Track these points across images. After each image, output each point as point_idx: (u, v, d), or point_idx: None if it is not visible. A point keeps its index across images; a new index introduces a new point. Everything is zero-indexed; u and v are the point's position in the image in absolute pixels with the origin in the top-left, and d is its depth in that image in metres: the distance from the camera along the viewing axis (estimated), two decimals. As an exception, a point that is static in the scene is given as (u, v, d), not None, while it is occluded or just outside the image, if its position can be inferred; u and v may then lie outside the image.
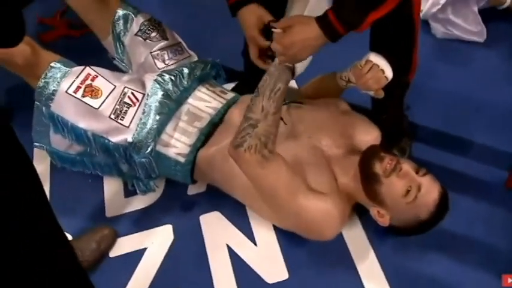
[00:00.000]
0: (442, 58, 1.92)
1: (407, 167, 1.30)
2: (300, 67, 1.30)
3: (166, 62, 1.59)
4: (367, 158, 1.33)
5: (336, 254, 1.42)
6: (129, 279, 1.42)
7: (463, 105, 1.75)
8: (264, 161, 1.25)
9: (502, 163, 1.57)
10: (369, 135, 1.48)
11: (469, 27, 1.90)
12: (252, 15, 1.28)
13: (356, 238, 1.45)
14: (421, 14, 1.86)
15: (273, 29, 1.21)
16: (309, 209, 1.29)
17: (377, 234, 1.44)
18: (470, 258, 1.39)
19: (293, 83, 1.83)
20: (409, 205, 1.27)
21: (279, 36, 1.19)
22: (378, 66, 1.33)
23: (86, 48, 1.93)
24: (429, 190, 1.27)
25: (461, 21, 1.89)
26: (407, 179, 1.28)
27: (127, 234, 1.51)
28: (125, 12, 1.61)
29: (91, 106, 1.42)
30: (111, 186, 1.63)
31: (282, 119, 1.38)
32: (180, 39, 1.65)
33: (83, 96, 1.42)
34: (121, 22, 1.60)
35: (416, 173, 1.29)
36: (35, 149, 1.62)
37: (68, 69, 1.44)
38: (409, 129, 1.62)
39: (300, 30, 1.16)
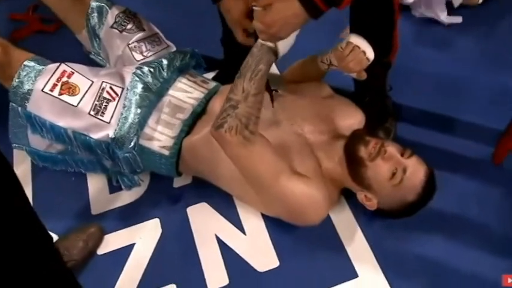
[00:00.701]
0: (423, 39, 1.91)
1: (392, 149, 1.29)
2: (283, 48, 1.26)
3: (144, 54, 1.56)
4: (351, 143, 1.33)
5: (326, 239, 1.42)
6: (119, 275, 1.41)
7: (445, 85, 1.74)
8: (245, 142, 1.24)
9: (488, 140, 1.57)
10: (352, 119, 1.47)
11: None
12: (238, 2, 1.25)
13: (345, 222, 1.45)
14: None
15: (253, 8, 1.18)
16: (293, 192, 1.28)
17: (365, 218, 1.44)
18: (468, 256, 1.37)
19: (274, 69, 1.82)
20: (396, 188, 1.27)
21: (259, 15, 1.14)
22: (359, 47, 1.31)
23: (61, 44, 1.90)
24: (415, 171, 1.27)
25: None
26: (393, 161, 1.27)
27: (114, 231, 1.49)
28: (98, 4, 1.57)
29: (69, 104, 1.39)
30: (95, 183, 1.60)
31: (272, 101, 1.37)
32: (157, 30, 1.62)
33: (60, 94, 1.39)
34: (95, 15, 1.56)
35: (402, 155, 1.29)
36: (15, 150, 1.59)
37: (42, 67, 1.41)
38: (393, 110, 1.61)
39: (280, 8, 1.12)
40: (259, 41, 1.20)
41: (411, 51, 1.78)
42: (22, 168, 1.63)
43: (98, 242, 1.47)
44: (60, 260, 1.12)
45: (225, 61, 1.74)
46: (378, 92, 1.56)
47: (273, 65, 1.78)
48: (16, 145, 1.53)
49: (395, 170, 1.27)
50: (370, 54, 1.32)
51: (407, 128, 1.61)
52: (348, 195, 1.45)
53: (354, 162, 1.31)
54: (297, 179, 1.29)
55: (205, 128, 1.40)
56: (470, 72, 1.77)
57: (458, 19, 1.84)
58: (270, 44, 1.19)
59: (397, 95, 1.64)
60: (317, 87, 1.54)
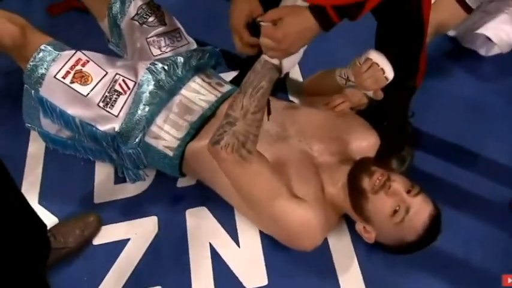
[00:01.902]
0: (464, 63, 1.79)
1: (397, 186, 1.21)
2: (288, 65, 1.21)
3: (163, 49, 1.53)
4: (356, 171, 1.26)
5: (319, 264, 1.36)
6: (109, 269, 1.41)
7: (472, 116, 1.63)
8: (241, 161, 1.19)
9: (510, 182, 1.46)
10: (365, 141, 1.40)
11: None
12: (245, 4, 1.20)
13: (342, 249, 1.39)
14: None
15: (261, 23, 1.12)
16: (287, 215, 1.23)
17: (365, 247, 1.37)
18: (451, 260, 1.33)
19: (298, 76, 1.75)
20: (396, 226, 1.20)
21: (269, 30, 1.10)
22: (378, 65, 1.24)
23: (91, 26, 1.89)
24: (419, 212, 1.19)
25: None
26: (396, 198, 1.20)
27: (112, 223, 1.50)
28: (123, -7, 1.55)
29: (79, 93, 1.38)
30: (102, 172, 1.61)
31: (268, 114, 1.29)
32: (179, 25, 1.58)
33: (72, 82, 1.38)
34: (118, 4, 1.53)
35: (408, 192, 1.21)
36: (31, 130, 1.61)
37: (58, 52, 1.40)
38: (412, 137, 1.52)
39: (292, 21, 1.07)
40: (263, 56, 1.15)
41: (441, 73, 1.67)
42: (36, 147, 1.66)
43: (95, 231, 1.47)
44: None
45: (247, 62, 1.69)
46: (398, 117, 1.47)
47: (298, 70, 1.76)
48: (29, 125, 1.54)
49: (398, 208, 1.19)
50: (389, 73, 1.24)
51: (425, 158, 1.52)
52: (350, 220, 1.39)
53: (355, 192, 1.24)
54: (293, 203, 1.23)
55: (210, 134, 1.36)
56: (501, 106, 1.65)
57: (497, 50, 1.70)
58: (274, 62, 1.13)
59: (418, 121, 1.54)
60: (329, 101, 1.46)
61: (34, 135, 1.66)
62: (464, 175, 1.50)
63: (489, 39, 1.66)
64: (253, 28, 1.18)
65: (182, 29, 1.58)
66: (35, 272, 1.19)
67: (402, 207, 1.19)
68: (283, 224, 1.25)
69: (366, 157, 1.33)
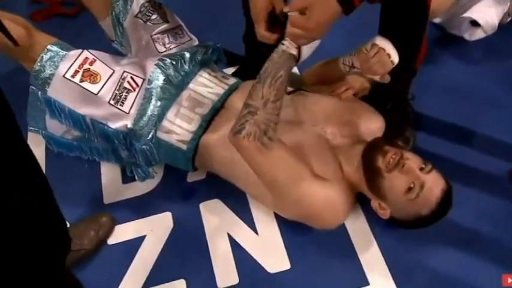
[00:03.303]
0: (447, 49, 1.88)
1: (411, 163, 1.27)
2: (306, 53, 1.26)
3: (167, 46, 1.55)
4: (369, 151, 1.31)
5: (338, 245, 1.41)
6: (128, 267, 1.40)
7: (468, 97, 1.72)
8: (263, 148, 1.23)
9: (507, 156, 1.55)
10: (373, 124, 1.46)
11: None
12: None
13: (359, 228, 1.44)
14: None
15: (288, 13, 1.15)
16: (312, 195, 1.27)
17: (380, 225, 1.43)
18: (470, 258, 1.38)
19: (295, 69, 1.80)
20: (411, 202, 1.26)
21: (298, 19, 1.11)
22: (384, 50, 1.30)
23: (81, 29, 1.89)
24: (432, 188, 1.25)
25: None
26: (410, 175, 1.25)
27: (125, 222, 1.49)
28: (124, -8, 1.56)
29: (90, 91, 1.38)
30: (109, 172, 1.60)
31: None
32: (180, 22, 1.60)
33: (81, 81, 1.38)
34: (120, 3, 1.54)
35: (421, 169, 1.26)
36: (29, 133, 1.58)
37: (65, 52, 1.40)
38: (413, 119, 1.60)
39: (321, 9, 1.08)
40: (281, 46, 1.19)
41: (438, 58, 1.76)
42: (36, 151, 1.61)
43: (109, 231, 1.46)
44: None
45: (246, 58, 1.72)
46: (400, 99, 1.54)
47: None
48: (33, 128, 1.52)
49: (413, 185, 1.25)
50: (395, 57, 1.30)
51: (426, 138, 1.59)
52: (363, 202, 1.44)
53: (370, 172, 1.30)
54: (317, 183, 1.28)
55: (224, 126, 1.39)
56: (494, 86, 1.75)
57: (481, 34, 1.82)
58: (292, 51, 1.18)
59: (418, 104, 1.62)
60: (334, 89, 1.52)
61: (32, 140, 1.62)
62: (463, 152, 1.58)
63: (474, 22, 1.77)
64: (273, 17, 1.21)
65: (184, 26, 1.60)
66: (55, 263, 1.16)
67: (417, 184, 1.25)
68: (308, 205, 1.28)
69: (378, 137, 1.39)
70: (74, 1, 1.76)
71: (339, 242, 1.41)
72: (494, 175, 1.52)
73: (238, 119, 1.24)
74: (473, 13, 1.75)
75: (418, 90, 1.59)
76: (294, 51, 1.21)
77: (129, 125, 1.40)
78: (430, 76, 1.71)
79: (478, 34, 1.82)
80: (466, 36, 1.84)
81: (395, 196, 1.28)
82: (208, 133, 1.42)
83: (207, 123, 1.43)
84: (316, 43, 1.20)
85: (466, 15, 1.77)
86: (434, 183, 1.26)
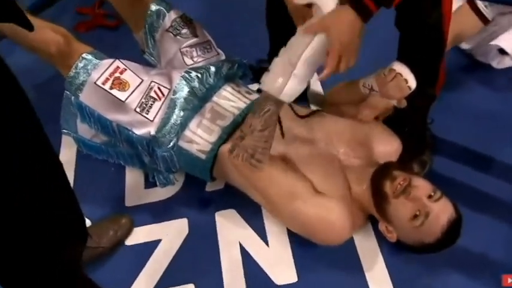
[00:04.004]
0: (471, 75, 1.88)
1: (418, 191, 1.27)
2: (289, 97, 1.25)
3: (195, 59, 1.62)
4: (378, 175, 1.33)
5: (346, 261, 1.42)
6: (142, 268, 1.46)
7: (488, 123, 1.71)
8: (252, 168, 1.30)
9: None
10: (389, 146, 1.48)
11: None
12: None
13: (368, 247, 1.45)
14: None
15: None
16: (305, 213, 1.32)
17: (389, 245, 1.43)
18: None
19: (319, 89, 1.84)
20: (416, 229, 1.27)
21: (332, 57, 1.14)
22: (402, 75, 1.33)
23: (120, 40, 2.00)
24: (438, 217, 1.25)
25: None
26: (417, 203, 1.26)
27: (144, 225, 1.55)
28: (158, 7, 1.65)
29: (118, 98, 1.46)
30: (133, 177, 1.67)
31: (281, 129, 1.41)
32: (209, 37, 1.68)
33: (111, 88, 1.46)
34: (154, 17, 1.64)
35: (429, 197, 1.27)
36: (63, 136, 1.69)
37: (98, 61, 1.49)
38: (431, 142, 1.60)
39: (340, 27, 1.12)
40: (263, 93, 1.26)
41: (460, 85, 1.76)
42: (68, 153, 1.72)
43: (128, 233, 1.53)
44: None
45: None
46: (419, 123, 1.55)
47: (318, 84, 1.86)
48: (65, 131, 1.62)
49: (418, 213, 1.25)
50: (412, 82, 1.33)
51: (444, 163, 1.59)
52: (374, 221, 1.45)
53: (378, 195, 1.32)
54: (313, 200, 1.31)
55: None
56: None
57: (509, 63, 1.81)
58: (276, 97, 1.23)
59: (439, 127, 1.62)
60: (357, 110, 1.55)
61: (65, 142, 1.73)
62: (480, 178, 1.58)
63: (502, 50, 1.76)
64: None
65: (212, 41, 1.68)
66: (72, 258, 1.23)
67: (422, 212, 1.25)
68: (302, 220, 1.33)
69: (389, 162, 1.41)
70: (115, 14, 1.86)
71: (347, 259, 1.42)
72: (509, 203, 1.50)
73: (232, 140, 1.34)
74: (501, 41, 1.74)
75: (439, 114, 1.60)
76: (277, 94, 1.23)
77: (153, 132, 1.47)
78: (453, 101, 1.72)
79: (506, 62, 1.82)
80: (494, 64, 1.83)
81: (401, 222, 1.30)
82: (226, 144, 1.48)
83: (227, 135, 1.48)
84: (300, 87, 1.23)
85: (493, 43, 1.76)
86: (440, 212, 1.26)
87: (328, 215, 1.30)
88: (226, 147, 1.46)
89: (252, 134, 1.28)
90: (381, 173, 1.34)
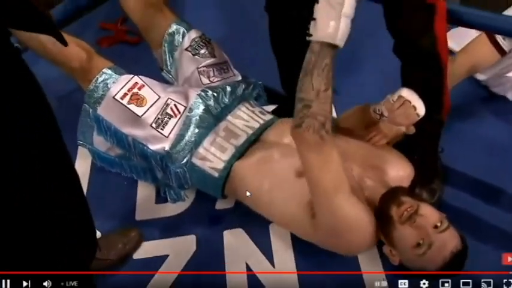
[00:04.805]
0: (493, 106, 1.89)
1: (424, 220, 1.26)
2: (342, 39, 1.19)
3: (211, 79, 1.65)
4: (386, 199, 1.32)
5: (351, 286, 1.42)
6: (148, 282, 1.46)
7: (503, 154, 1.71)
8: (321, 143, 1.23)
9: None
10: (401, 171, 1.46)
11: None
12: None
13: (373, 275, 1.44)
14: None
15: None
16: (346, 208, 1.28)
17: (394, 269, 1.41)
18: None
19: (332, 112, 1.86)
20: (418, 256, 1.26)
21: None
22: (410, 102, 1.33)
23: (140, 56, 2.04)
24: (441, 249, 1.24)
25: None
26: (421, 232, 1.25)
27: (152, 239, 1.57)
28: (178, 26, 1.69)
29: (135, 113, 1.49)
30: (144, 191, 1.69)
31: None
32: (226, 58, 1.72)
33: (129, 103, 1.50)
34: (174, 36, 1.68)
35: (435, 227, 1.25)
36: (79, 148, 1.72)
37: (117, 76, 1.53)
38: (442, 171, 1.60)
39: None
40: (314, 46, 1.19)
41: (473, 115, 1.76)
42: (83, 164, 1.75)
43: (136, 246, 1.54)
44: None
45: (286, 97, 1.80)
46: (429, 151, 1.55)
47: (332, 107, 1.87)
48: (81, 142, 1.65)
49: (421, 241, 1.24)
50: (421, 109, 1.33)
51: (453, 192, 1.59)
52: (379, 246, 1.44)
53: (383, 219, 1.31)
54: (354, 199, 1.29)
55: (255, 157, 1.46)
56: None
57: None
58: (331, 41, 1.17)
59: (449, 157, 1.63)
60: (367, 135, 1.55)
61: (81, 153, 1.76)
62: (489, 210, 1.57)
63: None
64: None
65: (229, 61, 1.71)
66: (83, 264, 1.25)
67: (425, 241, 1.24)
68: (341, 215, 1.28)
69: (399, 186, 1.40)
70: (137, 30, 1.91)
71: (352, 282, 1.42)
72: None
73: (296, 114, 1.25)
74: None
75: (451, 143, 1.60)
76: (332, 40, 1.17)
77: (167, 148, 1.49)
78: (467, 131, 1.72)
79: None
80: (509, 96, 1.84)
81: (404, 248, 1.29)
82: (240, 161, 1.49)
83: (240, 154, 1.50)
84: (347, 28, 1.17)
85: (510, 74, 1.77)
86: (444, 244, 1.25)
87: (366, 220, 1.29)
88: (240, 164, 1.48)
89: (318, 97, 1.20)
90: (389, 196, 1.33)
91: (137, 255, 1.53)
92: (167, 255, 1.53)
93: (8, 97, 0.87)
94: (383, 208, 1.31)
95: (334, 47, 1.17)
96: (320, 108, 1.21)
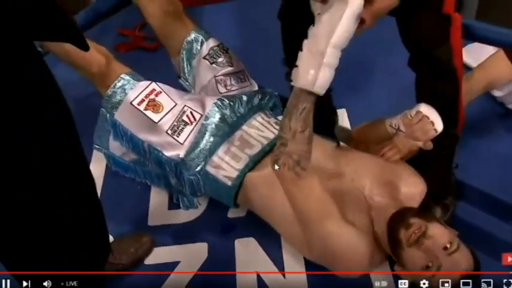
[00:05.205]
0: (509, 123, 1.87)
1: (432, 242, 1.26)
2: (322, 89, 1.25)
3: (228, 88, 1.67)
4: (395, 220, 1.33)
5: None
6: (159, 287, 1.47)
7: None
8: (297, 178, 1.29)
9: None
10: (414, 188, 1.47)
11: None
12: None
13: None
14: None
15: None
16: (337, 235, 1.31)
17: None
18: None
19: (346, 124, 1.86)
20: (428, 278, 1.26)
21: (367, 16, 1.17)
22: (428, 118, 1.33)
23: (157, 62, 2.05)
24: (451, 270, 1.24)
25: None
26: (429, 254, 1.25)
27: (164, 245, 1.58)
28: (197, 35, 1.71)
29: (151, 119, 1.51)
30: (157, 197, 1.71)
31: None
32: (243, 67, 1.73)
33: (145, 109, 1.51)
34: (192, 44, 1.70)
35: (445, 248, 1.25)
36: (94, 151, 1.74)
37: (135, 82, 1.55)
38: (455, 187, 1.59)
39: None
40: (295, 90, 1.25)
41: (486, 131, 1.76)
42: (98, 168, 1.76)
43: (148, 252, 1.55)
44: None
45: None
46: (443, 166, 1.54)
47: (347, 120, 1.88)
48: (97, 146, 1.67)
49: (430, 264, 1.25)
50: (439, 125, 1.33)
51: (467, 209, 1.58)
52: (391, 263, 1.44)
53: (392, 240, 1.32)
54: (342, 226, 1.31)
55: (268, 167, 1.45)
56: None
57: None
58: (309, 89, 1.22)
59: (464, 173, 1.62)
60: (382, 149, 1.55)
61: (96, 158, 1.78)
62: (504, 227, 1.55)
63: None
64: None
65: (246, 71, 1.72)
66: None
67: (434, 263, 1.25)
68: (333, 242, 1.31)
69: (408, 207, 1.39)
70: (154, 37, 1.93)
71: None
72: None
73: (275, 150, 1.31)
74: None
75: (466, 159, 1.60)
76: (310, 88, 1.23)
77: (181, 155, 1.50)
78: (482, 147, 1.71)
79: None
80: None
81: (413, 269, 1.30)
82: (254, 171, 1.50)
83: (254, 163, 1.51)
84: (330, 76, 1.22)
85: None
86: (454, 265, 1.25)
87: (360, 245, 1.31)
88: (253, 174, 1.49)
89: (294, 137, 1.26)
90: (398, 218, 1.33)
91: (149, 260, 1.54)
92: (178, 262, 1.53)
93: (30, 99, 0.89)
94: (392, 231, 1.31)
95: (313, 93, 1.23)
96: (295, 148, 1.27)
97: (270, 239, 1.55)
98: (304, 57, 1.22)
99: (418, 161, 1.53)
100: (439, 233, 1.28)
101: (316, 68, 1.20)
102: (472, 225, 1.53)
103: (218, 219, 1.64)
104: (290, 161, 1.27)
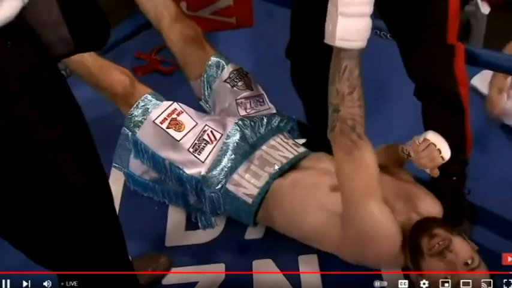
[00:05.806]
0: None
1: (454, 256, 1.25)
2: (362, 42, 1.16)
3: (248, 111, 1.71)
4: (418, 228, 1.32)
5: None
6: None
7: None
8: (352, 146, 1.24)
9: None
10: (432, 208, 1.45)
11: None
12: None
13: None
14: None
15: None
16: (378, 217, 1.28)
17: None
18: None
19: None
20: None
21: None
22: (435, 145, 1.33)
23: (172, 86, 2.09)
24: (468, 286, 1.22)
25: None
26: (449, 267, 1.24)
27: (182, 266, 1.57)
28: (218, 59, 1.75)
29: (173, 137, 1.53)
30: (175, 217, 1.71)
31: None
32: (262, 91, 1.77)
33: (168, 127, 1.54)
34: (213, 68, 1.75)
35: (466, 264, 1.24)
36: (112, 169, 1.74)
37: (158, 102, 1.58)
38: (469, 212, 1.60)
39: None
40: (337, 44, 1.16)
41: (504, 159, 1.79)
42: (116, 187, 1.76)
43: (166, 272, 1.54)
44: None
45: (316, 133, 1.82)
46: (456, 192, 1.55)
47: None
48: (116, 165, 1.68)
49: (449, 277, 1.24)
50: (446, 153, 1.33)
51: (483, 233, 1.58)
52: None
53: (414, 248, 1.31)
54: (386, 210, 1.29)
55: (290, 177, 1.51)
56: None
57: None
58: (331, 43, 1.15)
59: (478, 198, 1.63)
60: (398, 170, 1.55)
61: (114, 177, 1.78)
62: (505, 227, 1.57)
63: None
64: None
65: (265, 95, 1.76)
66: None
67: (454, 278, 1.23)
68: (370, 221, 1.28)
69: (433, 217, 1.38)
70: (170, 61, 1.98)
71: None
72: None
73: (329, 118, 1.27)
74: None
75: (478, 183, 1.61)
76: (349, 45, 1.15)
77: (203, 173, 1.53)
78: (495, 173, 1.73)
79: None
80: None
81: (431, 279, 1.28)
82: (277, 181, 1.51)
83: (274, 180, 1.52)
84: (367, 29, 1.14)
85: None
86: (472, 283, 1.23)
87: (394, 231, 1.29)
88: (273, 192, 1.50)
89: (343, 100, 1.20)
90: (422, 226, 1.32)
91: (166, 281, 1.53)
92: (196, 283, 1.53)
93: (52, 122, 0.89)
94: (414, 237, 1.30)
95: (348, 50, 1.15)
96: (347, 112, 1.22)
97: (287, 260, 1.55)
98: (328, 11, 1.14)
99: (430, 188, 1.55)
100: (462, 248, 1.27)
101: (333, 21, 1.12)
102: (486, 249, 1.53)
103: (235, 240, 1.64)
104: (346, 127, 1.22)
